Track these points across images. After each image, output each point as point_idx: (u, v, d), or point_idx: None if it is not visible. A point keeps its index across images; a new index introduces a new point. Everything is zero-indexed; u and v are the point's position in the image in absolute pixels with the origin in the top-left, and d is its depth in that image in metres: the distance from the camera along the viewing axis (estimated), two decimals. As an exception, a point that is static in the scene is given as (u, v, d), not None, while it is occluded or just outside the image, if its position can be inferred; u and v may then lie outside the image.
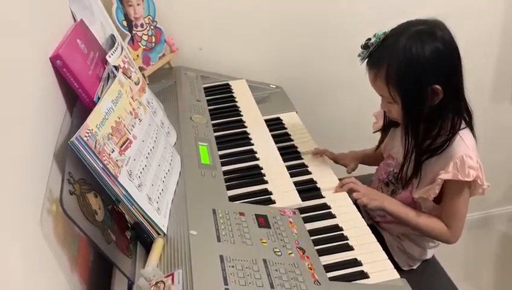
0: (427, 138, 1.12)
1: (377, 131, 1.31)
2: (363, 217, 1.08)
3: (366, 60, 1.11)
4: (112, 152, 0.84)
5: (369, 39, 1.09)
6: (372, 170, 1.41)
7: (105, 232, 0.80)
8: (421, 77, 1.04)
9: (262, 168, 1.17)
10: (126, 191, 0.84)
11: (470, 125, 1.14)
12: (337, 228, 1.04)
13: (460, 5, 1.69)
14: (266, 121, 1.38)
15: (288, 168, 1.18)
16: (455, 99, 1.09)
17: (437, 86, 1.04)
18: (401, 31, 1.06)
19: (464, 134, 1.11)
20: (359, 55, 1.10)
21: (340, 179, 1.19)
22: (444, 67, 1.05)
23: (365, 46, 1.09)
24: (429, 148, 1.12)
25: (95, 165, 0.79)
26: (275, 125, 1.41)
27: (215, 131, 1.28)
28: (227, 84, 1.56)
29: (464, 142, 1.09)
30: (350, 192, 1.16)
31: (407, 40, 1.04)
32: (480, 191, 1.13)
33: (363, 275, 0.93)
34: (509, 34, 1.82)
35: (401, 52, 1.04)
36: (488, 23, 1.79)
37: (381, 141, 1.30)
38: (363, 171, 1.42)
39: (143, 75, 1.37)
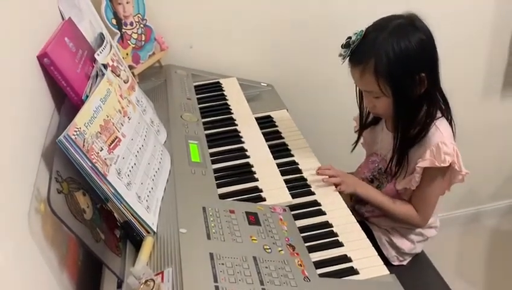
0: (411, 126, 1.15)
1: (357, 131, 1.34)
2: (352, 214, 1.09)
3: (348, 59, 1.13)
4: (101, 150, 0.84)
5: (350, 38, 1.12)
6: (350, 168, 1.41)
7: (94, 231, 0.80)
8: (410, 67, 1.08)
9: (252, 166, 1.17)
10: (115, 189, 0.83)
11: (447, 115, 1.17)
12: (327, 224, 1.05)
13: (451, 4, 1.70)
14: (257, 119, 1.38)
15: (279, 165, 1.19)
16: (435, 87, 1.13)
17: (423, 74, 1.09)
18: (380, 26, 1.10)
19: (439, 123, 1.15)
20: (341, 55, 1.12)
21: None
22: (427, 55, 1.10)
23: (346, 45, 1.12)
24: (410, 137, 1.16)
25: (84, 163, 0.79)
26: (265, 123, 1.41)
27: (205, 129, 1.28)
28: (218, 83, 1.56)
29: (439, 131, 1.13)
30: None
31: (392, 33, 1.08)
32: (459, 177, 1.17)
33: (353, 271, 0.93)
34: (499, 31, 1.83)
35: (388, 45, 1.07)
36: (478, 21, 1.80)
37: (356, 142, 1.34)
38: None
39: (132, 73, 1.36)
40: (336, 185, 1.16)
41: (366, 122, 1.30)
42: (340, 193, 1.16)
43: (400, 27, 1.08)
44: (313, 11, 1.65)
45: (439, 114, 1.16)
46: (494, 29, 1.82)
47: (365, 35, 1.10)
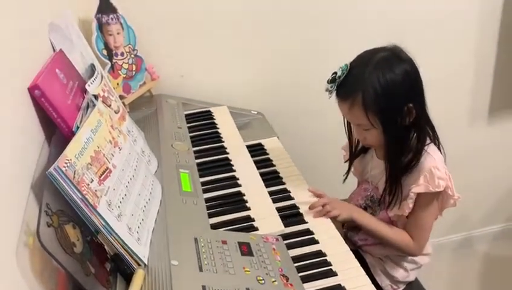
0: (402, 154, 1.16)
1: (347, 161, 1.34)
2: (346, 243, 1.08)
3: (335, 93, 1.14)
4: (91, 182, 0.83)
5: (335, 73, 1.13)
6: (343, 195, 1.41)
7: (84, 265, 0.78)
8: (397, 98, 1.10)
9: (244, 195, 1.16)
10: (105, 221, 0.82)
11: (434, 140, 1.19)
12: (320, 253, 1.04)
13: (439, 31, 1.75)
14: (248, 147, 1.38)
15: (271, 193, 1.18)
16: (422, 115, 1.14)
17: (410, 105, 1.10)
18: (365, 60, 1.11)
19: (430, 149, 1.16)
20: (327, 90, 1.14)
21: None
22: (413, 85, 1.12)
23: (332, 80, 1.13)
24: (402, 165, 1.16)
25: (74, 196, 0.78)
26: (256, 151, 1.41)
27: (196, 158, 1.28)
28: (209, 111, 1.57)
29: (431, 156, 1.15)
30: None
31: (377, 66, 1.09)
32: (451, 202, 1.17)
33: (347, 300, 0.92)
34: (484, 57, 1.87)
35: (374, 79, 1.08)
36: (464, 49, 1.84)
37: (348, 173, 1.34)
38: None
39: (123, 103, 1.36)
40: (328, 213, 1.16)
41: (355, 152, 1.31)
42: (334, 219, 1.15)
43: (385, 59, 1.10)
44: (303, 40, 1.68)
45: (427, 140, 1.17)
46: (478, 56, 1.86)
47: (350, 69, 1.11)
